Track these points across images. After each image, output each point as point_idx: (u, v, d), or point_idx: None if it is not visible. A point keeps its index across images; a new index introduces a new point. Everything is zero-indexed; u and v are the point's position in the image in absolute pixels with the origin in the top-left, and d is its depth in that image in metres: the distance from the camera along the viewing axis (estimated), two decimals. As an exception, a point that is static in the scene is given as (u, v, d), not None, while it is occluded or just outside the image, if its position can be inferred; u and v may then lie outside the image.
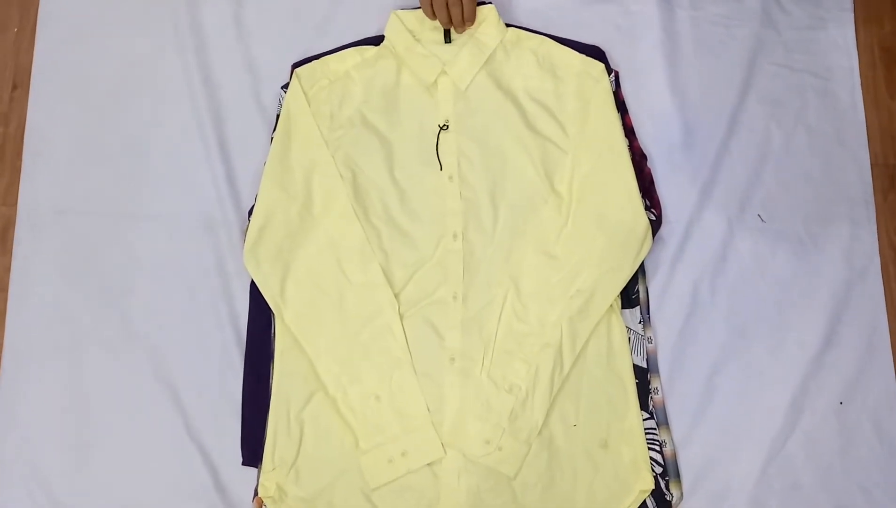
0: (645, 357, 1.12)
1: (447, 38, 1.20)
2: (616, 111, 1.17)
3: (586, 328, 1.08)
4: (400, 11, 1.21)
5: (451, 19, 1.17)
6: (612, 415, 1.08)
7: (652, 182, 1.18)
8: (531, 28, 1.23)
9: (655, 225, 1.15)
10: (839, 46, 1.29)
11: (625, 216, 1.11)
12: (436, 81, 1.18)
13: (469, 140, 1.16)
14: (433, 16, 1.18)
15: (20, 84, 1.27)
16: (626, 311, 1.13)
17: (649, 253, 1.15)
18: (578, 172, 1.14)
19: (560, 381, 1.07)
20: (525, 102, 1.18)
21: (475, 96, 1.18)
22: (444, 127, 1.17)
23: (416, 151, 1.16)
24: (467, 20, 1.17)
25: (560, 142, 1.16)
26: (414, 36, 1.20)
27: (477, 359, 1.08)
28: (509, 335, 1.08)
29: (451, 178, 1.15)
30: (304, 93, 1.18)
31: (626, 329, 1.12)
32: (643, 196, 1.14)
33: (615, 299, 1.11)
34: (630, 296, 1.14)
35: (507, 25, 1.22)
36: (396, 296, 1.10)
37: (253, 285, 1.15)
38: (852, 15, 1.30)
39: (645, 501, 1.06)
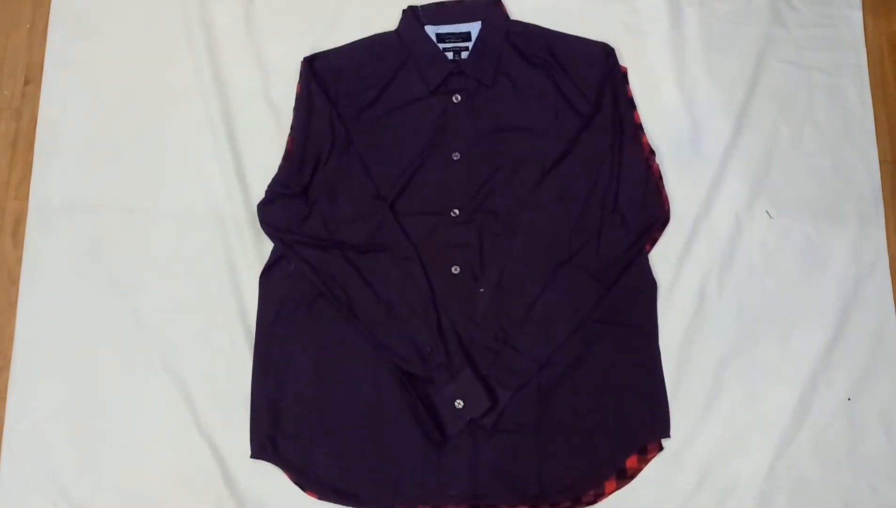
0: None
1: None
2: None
3: None
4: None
5: None
6: None
7: (660, 178, 1.18)
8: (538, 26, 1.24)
9: (663, 221, 1.15)
10: (848, 43, 1.28)
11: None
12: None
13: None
14: None
15: (32, 79, 1.28)
16: (634, 306, 1.14)
17: (657, 249, 1.16)
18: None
19: None
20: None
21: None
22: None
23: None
24: None
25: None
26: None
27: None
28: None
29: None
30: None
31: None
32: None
33: None
34: (637, 292, 1.14)
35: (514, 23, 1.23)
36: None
37: (262, 278, 1.16)
38: (861, 12, 1.30)
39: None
